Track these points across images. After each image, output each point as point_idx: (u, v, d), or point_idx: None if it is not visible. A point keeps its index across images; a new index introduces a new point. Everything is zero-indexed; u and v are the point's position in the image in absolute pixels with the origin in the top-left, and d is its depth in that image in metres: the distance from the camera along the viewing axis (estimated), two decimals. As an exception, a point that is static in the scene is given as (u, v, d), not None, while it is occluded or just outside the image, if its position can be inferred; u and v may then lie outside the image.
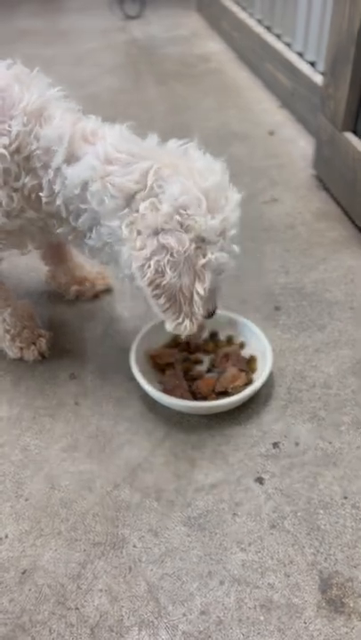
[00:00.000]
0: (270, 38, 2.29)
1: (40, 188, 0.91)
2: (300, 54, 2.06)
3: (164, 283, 0.83)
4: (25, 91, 0.91)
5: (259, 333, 1.11)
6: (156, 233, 0.83)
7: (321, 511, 0.89)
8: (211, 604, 0.79)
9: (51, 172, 0.89)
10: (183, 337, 0.91)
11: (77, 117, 0.93)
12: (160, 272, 0.83)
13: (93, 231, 0.91)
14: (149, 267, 0.83)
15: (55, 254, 1.27)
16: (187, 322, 0.87)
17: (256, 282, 1.35)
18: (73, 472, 0.96)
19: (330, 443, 0.99)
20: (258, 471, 0.95)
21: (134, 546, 0.85)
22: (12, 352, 1.15)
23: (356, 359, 1.14)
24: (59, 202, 0.91)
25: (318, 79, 1.82)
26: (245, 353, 1.12)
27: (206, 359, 1.12)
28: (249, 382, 1.05)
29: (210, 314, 0.98)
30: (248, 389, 1.01)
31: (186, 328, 0.87)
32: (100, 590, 0.80)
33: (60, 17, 3.43)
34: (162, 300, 0.85)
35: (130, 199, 0.86)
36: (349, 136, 1.50)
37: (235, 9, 2.72)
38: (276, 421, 1.03)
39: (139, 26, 3.23)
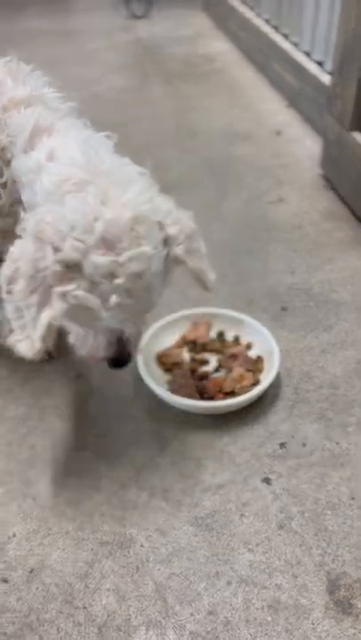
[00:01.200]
0: (277, 38, 2.29)
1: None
2: (308, 54, 2.06)
3: (14, 291, 0.74)
4: (20, 85, 0.90)
5: (265, 333, 1.11)
6: (30, 239, 0.74)
7: (328, 512, 0.89)
8: (218, 605, 0.79)
9: (8, 157, 0.86)
10: (27, 358, 0.76)
11: (58, 116, 0.89)
12: (14, 277, 0.74)
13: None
14: (10, 267, 0.75)
15: None
16: (25, 342, 0.75)
17: (262, 282, 1.35)
18: (80, 471, 0.96)
19: (337, 443, 0.99)
20: (265, 471, 0.95)
21: (141, 545, 0.85)
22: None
23: (364, 360, 1.14)
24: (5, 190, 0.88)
25: (326, 79, 1.82)
26: (252, 353, 1.11)
27: (213, 359, 1.12)
28: (256, 382, 1.04)
29: (110, 362, 0.85)
30: (255, 390, 1.01)
31: (22, 348, 0.75)
32: (108, 589, 0.80)
33: (66, 17, 3.44)
34: (9, 308, 0.75)
35: (46, 200, 0.78)
36: (357, 136, 1.49)
37: (242, 9, 2.72)
38: (284, 422, 1.03)
39: (145, 26, 3.23)
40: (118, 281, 0.72)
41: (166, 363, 1.09)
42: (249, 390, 1.02)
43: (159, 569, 0.83)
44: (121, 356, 0.84)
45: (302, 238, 1.50)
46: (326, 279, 1.36)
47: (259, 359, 1.09)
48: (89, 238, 0.71)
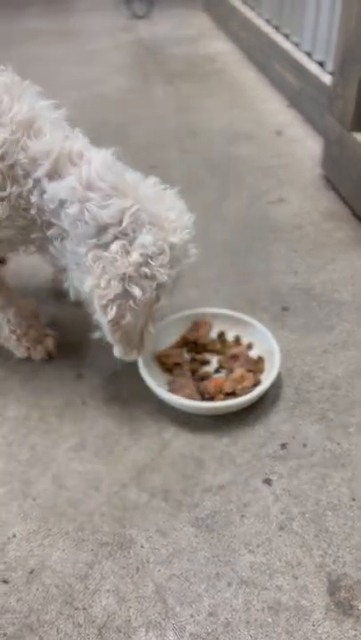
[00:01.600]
0: (278, 38, 2.29)
1: (22, 195, 0.92)
2: (309, 54, 2.06)
3: (123, 324, 0.90)
4: (15, 101, 0.93)
5: (266, 334, 1.11)
6: (123, 279, 0.88)
7: (329, 513, 0.89)
8: (219, 606, 0.78)
9: (30, 182, 0.91)
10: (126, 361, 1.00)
11: (65, 134, 0.95)
12: (121, 315, 0.89)
13: (58, 243, 0.95)
14: (112, 309, 0.89)
15: None
16: (135, 352, 0.97)
17: (264, 282, 1.35)
18: (80, 472, 0.95)
19: (338, 444, 0.99)
20: (266, 472, 0.95)
21: (142, 546, 0.85)
22: (19, 352, 1.15)
23: (365, 360, 1.14)
24: (33, 211, 0.93)
25: (327, 79, 1.81)
26: (253, 353, 1.11)
27: (214, 359, 1.12)
28: (257, 383, 1.04)
29: None
30: (256, 390, 1.01)
31: (133, 356, 0.98)
32: (108, 591, 0.80)
33: (67, 17, 3.44)
34: (117, 335, 0.92)
35: (101, 231, 0.89)
36: (358, 136, 1.49)
37: (242, 9, 2.72)
38: (284, 422, 1.03)
39: (146, 26, 3.23)
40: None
41: (167, 363, 1.09)
42: (250, 391, 1.01)
43: (159, 570, 0.82)
44: None
45: (303, 238, 1.49)
46: (328, 279, 1.35)
47: (260, 359, 1.09)
48: (166, 261, 0.89)
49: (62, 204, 0.90)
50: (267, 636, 0.75)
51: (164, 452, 0.98)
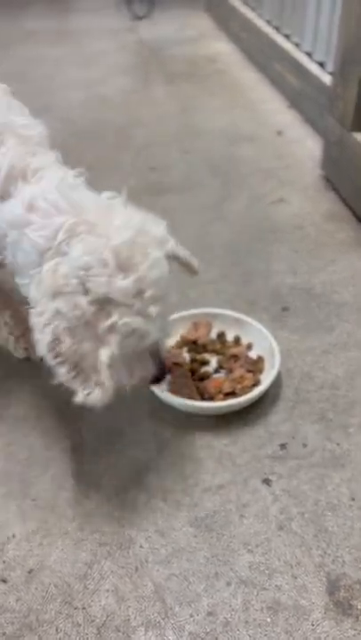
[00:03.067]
0: (279, 38, 2.29)
1: None
2: (309, 54, 2.06)
3: (63, 350, 0.76)
4: None
5: (266, 334, 1.11)
6: (53, 297, 0.76)
7: (329, 513, 0.89)
8: (218, 606, 0.78)
9: None
10: (98, 407, 0.79)
11: (29, 151, 0.87)
12: (57, 339, 0.76)
13: (14, 282, 0.86)
14: (45, 334, 0.76)
15: None
16: (96, 391, 0.77)
17: (264, 282, 1.35)
18: (79, 472, 0.96)
19: (338, 444, 0.99)
20: (265, 472, 0.95)
21: (141, 546, 0.85)
22: (18, 352, 1.15)
23: (365, 360, 1.14)
24: None
25: (327, 79, 1.82)
26: (253, 354, 1.11)
27: (214, 360, 1.12)
28: (256, 383, 1.04)
29: (155, 379, 0.89)
30: (256, 390, 1.01)
31: (96, 397, 0.77)
32: (107, 590, 0.80)
33: (67, 17, 3.44)
34: (64, 369, 0.76)
35: (42, 257, 0.79)
36: (358, 136, 1.49)
37: (243, 9, 2.72)
38: (284, 422, 1.03)
39: (147, 26, 3.24)
40: (148, 294, 0.76)
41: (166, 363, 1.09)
42: (250, 391, 1.01)
43: (158, 570, 0.82)
44: (163, 370, 0.89)
45: (304, 239, 1.49)
46: (328, 280, 1.35)
47: (259, 359, 1.09)
48: (106, 270, 0.74)
49: (5, 232, 0.82)
50: (266, 635, 0.75)
51: (163, 452, 0.98)
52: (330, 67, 1.85)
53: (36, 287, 0.78)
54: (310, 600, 0.79)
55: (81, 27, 3.25)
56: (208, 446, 0.99)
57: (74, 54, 2.80)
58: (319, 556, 0.83)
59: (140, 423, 1.03)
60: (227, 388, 1.03)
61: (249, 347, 1.13)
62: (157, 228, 0.83)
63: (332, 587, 0.80)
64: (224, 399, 1.02)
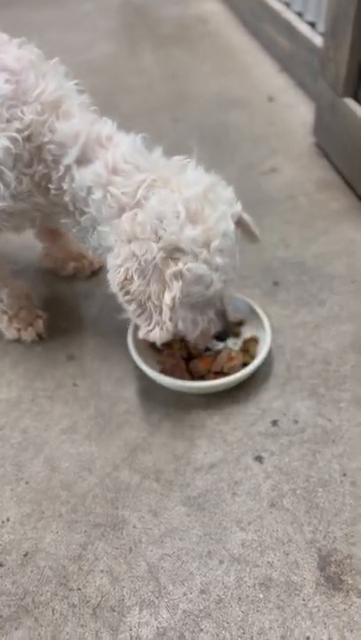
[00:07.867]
0: (269, -3, 2.20)
1: (50, 179, 0.91)
2: (300, 14, 1.98)
3: (133, 289, 0.85)
4: (40, 78, 0.89)
5: (257, 310, 1.10)
6: (129, 241, 0.85)
7: (320, 489, 0.89)
8: (211, 583, 0.80)
9: (61, 169, 0.90)
10: (158, 344, 0.94)
11: (94, 117, 0.93)
12: (129, 279, 0.85)
13: (94, 232, 0.93)
14: (119, 272, 0.85)
15: (50, 231, 1.25)
16: (157, 329, 0.87)
17: (255, 256, 1.33)
18: (72, 454, 0.96)
19: (329, 420, 0.99)
20: (257, 450, 0.95)
21: (134, 526, 0.86)
22: (10, 333, 1.14)
23: (357, 334, 1.13)
24: (66, 198, 0.92)
25: (318, 41, 1.75)
26: (244, 330, 1.10)
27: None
28: (247, 361, 1.04)
29: (219, 336, 0.99)
30: (246, 369, 1.01)
31: (156, 335, 0.87)
32: (102, 571, 0.82)
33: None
34: (132, 306, 0.87)
35: (122, 210, 0.87)
36: (350, 102, 1.45)
37: (232, -34, 2.61)
38: (276, 399, 1.03)
39: (133, -14, 3.11)
40: (215, 244, 0.84)
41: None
42: (239, 369, 1.01)
43: (152, 550, 0.84)
44: (226, 327, 0.98)
45: (296, 210, 1.47)
46: (320, 252, 1.33)
47: (252, 339, 1.08)
48: (178, 220, 0.83)
49: (89, 190, 0.89)
50: (258, 611, 0.77)
51: (155, 432, 0.99)
52: (321, 27, 1.78)
53: (115, 233, 0.87)
54: (302, 576, 0.80)
55: (65, -12, 3.13)
56: (200, 425, 0.99)
57: (58, 18, 2.70)
58: (310, 532, 0.84)
59: (132, 404, 1.03)
60: (215, 367, 1.02)
61: (240, 324, 1.12)
62: (226, 189, 0.91)
63: (323, 562, 0.81)
64: (215, 378, 1.02)
